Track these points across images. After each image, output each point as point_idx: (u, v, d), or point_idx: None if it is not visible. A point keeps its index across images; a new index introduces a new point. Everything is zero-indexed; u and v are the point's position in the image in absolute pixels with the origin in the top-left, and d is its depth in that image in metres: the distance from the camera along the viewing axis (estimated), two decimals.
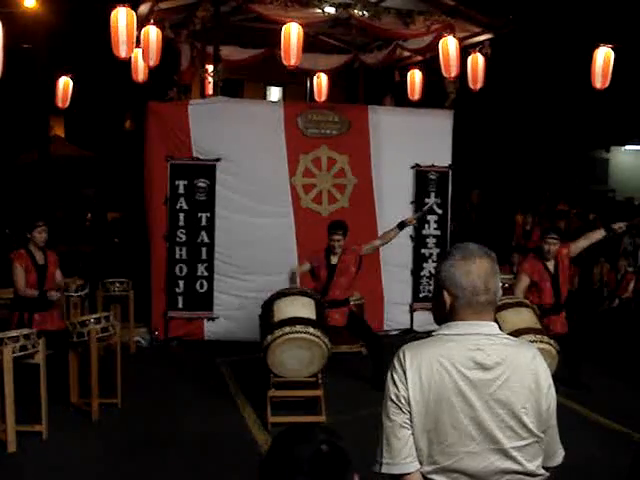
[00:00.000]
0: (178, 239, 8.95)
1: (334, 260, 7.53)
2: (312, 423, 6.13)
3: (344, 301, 7.58)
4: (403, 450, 2.29)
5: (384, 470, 2.31)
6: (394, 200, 9.65)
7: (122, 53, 7.72)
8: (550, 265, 7.22)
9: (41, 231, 6.84)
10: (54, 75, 10.57)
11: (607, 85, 8.15)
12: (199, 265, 9.02)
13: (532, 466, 2.36)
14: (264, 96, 15.62)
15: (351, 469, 1.70)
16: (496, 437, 2.29)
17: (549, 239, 7.18)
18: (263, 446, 5.91)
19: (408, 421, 2.29)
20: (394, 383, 2.32)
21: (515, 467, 2.32)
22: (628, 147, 27.95)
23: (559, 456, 2.52)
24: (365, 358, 8.28)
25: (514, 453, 2.31)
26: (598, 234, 7.41)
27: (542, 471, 2.41)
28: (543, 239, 7.28)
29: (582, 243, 7.44)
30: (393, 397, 2.31)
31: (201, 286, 9.06)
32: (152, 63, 9.03)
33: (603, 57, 8.07)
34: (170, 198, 8.91)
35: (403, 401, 2.29)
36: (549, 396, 2.38)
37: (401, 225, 7.89)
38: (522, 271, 7.29)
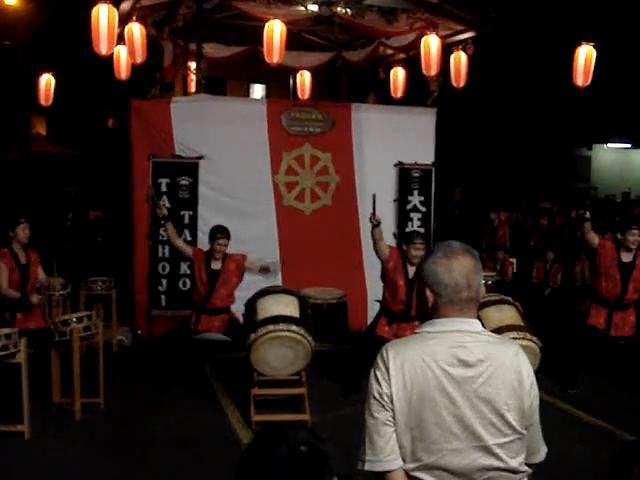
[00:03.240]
0: (161, 237, 8.89)
1: (216, 266, 7.30)
2: (293, 422, 6.15)
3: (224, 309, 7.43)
4: (386, 448, 2.29)
5: (367, 468, 2.32)
6: (377, 197, 9.61)
7: (102, 50, 7.66)
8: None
9: (24, 228, 6.78)
10: (36, 72, 10.50)
11: (589, 83, 8.19)
12: (182, 263, 8.97)
13: (515, 463, 2.37)
14: (247, 94, 15.60)
15: (331, 470, 1.68)
16: (479, 434, 2.30)
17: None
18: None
19: (391, 419, 2.29)
20: (377, 381, 2.33)
21: (498, 464, 2.33)
22: (610, 145, 28.16)
23: (542, 453, 2.54)
24: (348, 355, 8.27)
25: (497, 450, 2.32)
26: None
27: (525, 468, 2.42)
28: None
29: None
30: (376, 395, 2.32)
31: (184, 284, 9.02)
32: (138, 60, 8.97)
33: (585, 55, 8.11)
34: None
35: (386, 399, 2.29)
36: (532, 393, 2.40)
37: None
38: None
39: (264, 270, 7.51)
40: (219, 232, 7.21)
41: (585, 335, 7.53)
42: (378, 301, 7.45)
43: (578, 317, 7.67)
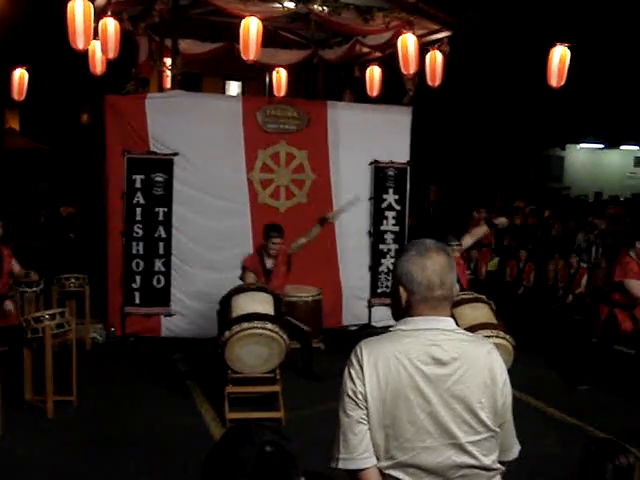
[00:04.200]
0: (135, 234, 8.85)
1: (270, 264, 7.49)
2: (267, 420, 6.15)
3: None
4: (360, 446, 2.30)
5: (340, 465, 2.32)
6: (352, 196, 9.68)
7: (79, 45, 7.61)
8: None
9: None
10: (9, 67, 10.38)
11: (563, 83, 8.24)
12: (156, 260, 8.94)
13: (488, 460, 2.38)
14: (223, 90, 15.55)
15: (297, 470, 1.69)
16: (452, 432, 2.31)
17: None
18: None
19: (365, 417, 2.30)
20: (351, 379, 2.33)
21: (471, 461, 2.35)
22: (583, 145, 28.42)
23: (515, 450, 2.55)
24: (323, 353, 8.29)
25: (470, 448, 2.33)
26: (481, 230, 7.54)
27: (498, 465, 2.44)
28: None
29: (467, 240, 7.54)
30: (350, 393, 2.32)
31: (158, 282, 8.98)
32: (111, 55, 8.90)
33: (559, 56, 8.15)
34: (127, 192, 8.81)
35: (360, 397, 2.30)
36: (504, 391, 2.41)
37: (322, 221, 7.92)
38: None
39: (324, 221, 7.97)
40: (273, 230, 7.39)
41: (613, 339, 7.56)
42: None
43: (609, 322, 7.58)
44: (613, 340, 7.59)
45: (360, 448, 2.30)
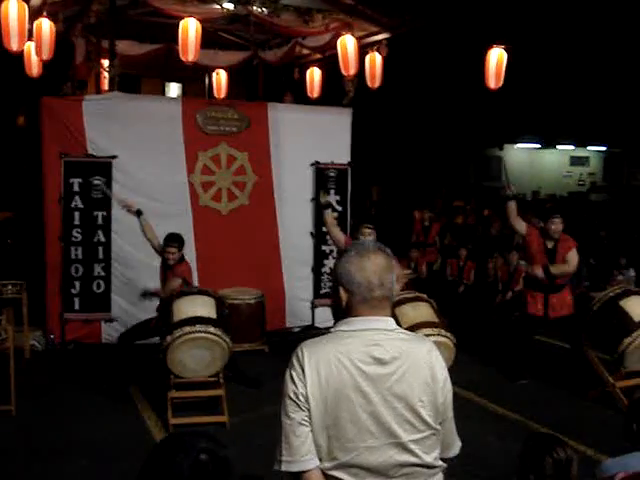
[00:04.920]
0: (74, 238, 8.70)
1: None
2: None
3: None
4: (302, 448, 2.30)
5: (284, 468, 2.32)
6: (294, 197, 9.70)
7: (13, 46, 7.45)
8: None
9: None
10: None
11: (501, 85, 8.37)
12: (96, 265, 8.80)
13: (430, 458, 2.41)
14: (162, 92, 15.37)
15: (233, 477, 1.68)
16: (394, 431, 2.33)
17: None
18: None
19: (307, 418, 2.30)
20: (292, 381, 2.33)
21: (413, 460, 2.37)
22: (520, 145, 28.90)
23: (456, 447, 2.59)
24: (267, 355, 8.27)
25: (412, 446, 2.35)
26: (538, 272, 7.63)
27: (440, 463, 2.47)
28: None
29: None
30: (292, 395, 2.32)
31: (98, 287, 8.85)
32: (45, 57, 8.72)
33: (496, 57, 8.27)
34: (64, 196, 8.66)
35: (302, 398, 2.30)
36: (445, 389, 2.44)
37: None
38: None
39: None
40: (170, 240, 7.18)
41: (527, 324, 7.80)
42: None
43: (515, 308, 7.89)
44: (527, 324, 7.79)
45: (302, 450, 2.30)
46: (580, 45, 17.43)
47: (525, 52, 13.35)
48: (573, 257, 7.63)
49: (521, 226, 7.82)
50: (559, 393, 7.37)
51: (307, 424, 2.30)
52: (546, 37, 16.88)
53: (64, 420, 6.45)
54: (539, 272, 7.53)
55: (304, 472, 2.30)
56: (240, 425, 6.33)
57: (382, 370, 2.33)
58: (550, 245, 7.64)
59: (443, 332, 6.22)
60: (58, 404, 6.89)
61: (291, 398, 2.31)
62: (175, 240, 7.13)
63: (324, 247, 9.96)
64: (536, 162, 29.75)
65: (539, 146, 29.12)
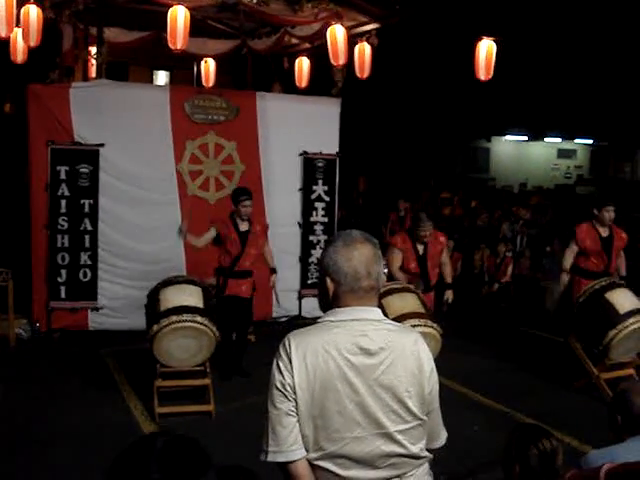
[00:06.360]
0: (60, 227, 8.67)
1: (243, 227, 7.39)
2: (197, 413, 6.12)
3: (251, 272, 7.53)
4: (289, 438, 2.30)
5: (270, 459, 2.32)
6: (282, 187, 9.68)
7: (1, 33, 7.41)
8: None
9: None
10: None
11: (490, 77, 8.36)
12: (82, 253, 8.77)
13: (416, 449, 2.42)
14: (150, 80, 15.27)
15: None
16: (381, 421, 2.33)
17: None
18: None
19: (294, 409, 2.30)
20: (279, 371, 2.33)
21: (399, 450, 2.37)
22: (508, 137, 28.97)
23: (442, 438, 2.60)
24: (254, 345, 8.26)
25: (398, 436, 2.36)
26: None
27: (426, 453, 2.48)
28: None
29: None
30: (279, 385, 2.32)
31: (84, 275, 8.81)
32: (32, 44, 8.63)
33: (486, 49, 8.27)
34: (51, 184, 8.61)
35: (289, 389, 2.30)
36: (431, 379, 2.45)
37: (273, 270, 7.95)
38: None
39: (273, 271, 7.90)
40: (242, 194, 7.36)
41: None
42: None
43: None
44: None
45: (289, 440, 2.30)
46: (569, 38, 17.44)
47: (513, 44, 13.36)
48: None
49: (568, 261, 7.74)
50: (544, 384, 7.42)
51: (294, 414, 2.30)
52: (535, 29, 16.88)
53: (49, 409, 6.43)
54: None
55: (290, 462, 2.31)
56: (226, 414, 6.34)
57: (369, 361, 2.33)
58: (605, 234, 7.62)
59: (429, 323, 6.23)
60: (43, 393, 6.87)
61: (278, 388, 2.32)
62: (247, 192, 7.39)
63: (311, 237, 9.96)
64: (523, 154, 29.85)
65: (527, 138, 29.20)
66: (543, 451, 2.70)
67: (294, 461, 2.31)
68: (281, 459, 2.31)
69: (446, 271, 7.59)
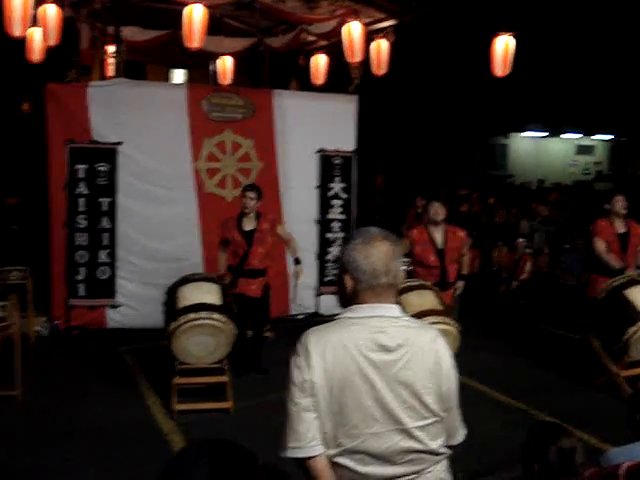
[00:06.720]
0: (78, 225, 8.72)
1: (249, 226, 7.31)
2: (215, 410, 6.12)
3: (262, 272, 7.45)
4: (308, 434, 2.31)
5: (290, 454, 2.33)
6: (299, 184, 9.68)
7: (16, 32, 7.41)
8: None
9: None
10: None
11: (508, 73, 8.31)
12: (100, 251, 8.82)
13: (434, 445, 2.42)
14: (167, 79, 15.32)
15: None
16: (399, 417, 2.34)
17: None
18: (169, 435, 5.85)
19: (312, 405, 2.31)
20: (298, 368, 2.34)
21: (418, 446, 2.38)
22: (526, 133, 28.81)
23: (460, 435, 2.60)
24: (272, 343, 8.27)
25: (417, 433, 2.36)
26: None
27: (444, 450, 2.48)
28: None
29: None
30: (297, 382, 2.33)
31: (103, 273, 8.86)
32: (52, 43, 8.67)
33: (503, 45, 8.22)
34: (69, 183, 8.66)
35: (307, 385, 2.31)
36: (450, 376, 2.45)
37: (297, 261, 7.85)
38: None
39: (296, 262, 7.77)
40: (247, 187, 7.44)
41: None
42: None
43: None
44: None
45: (308, 436, 2.31)
46: (587, 33, 17.34)
47: (532, 40, 13.29)
48: None
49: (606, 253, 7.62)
50: (563, 382, 7.37)
51: (313, 411, 2.31)
52: (553, 25, 16.79)
53: (68, 405, 6.47)
54: (617, 264, 7.47)
55: (310, 458, 2.32)
56: (245, 411, 6.35)
57: (387, 357, 2.33)
58: (621, 230, 7.59)
59: (448, 320, 6.22)
60: (63, 389, 6.92)
61: (297, 385, 2.32)
62: (253, 186, 7.45)
63: (328, 234, 9.95)
64: (542, 151, 29.68)
65: (545, 135, 29.02)
66: (562, 449, 2.68)
67: (313, 457, 2.32)
68: (301, 455, 2.32)
69: (463, 261, 7.54)
